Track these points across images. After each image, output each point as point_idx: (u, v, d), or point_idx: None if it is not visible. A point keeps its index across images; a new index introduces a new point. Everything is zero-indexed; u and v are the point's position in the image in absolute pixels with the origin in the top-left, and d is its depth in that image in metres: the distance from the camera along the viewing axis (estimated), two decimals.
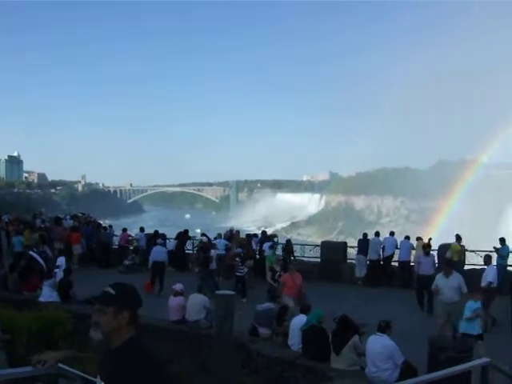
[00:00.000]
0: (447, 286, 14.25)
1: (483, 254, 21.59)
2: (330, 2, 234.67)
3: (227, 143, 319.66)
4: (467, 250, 22.36)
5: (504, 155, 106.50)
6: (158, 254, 21.79)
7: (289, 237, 34.78)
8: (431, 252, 20.00)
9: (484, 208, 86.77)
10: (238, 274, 20.53)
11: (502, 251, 20.57)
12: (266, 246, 23.88)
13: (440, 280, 14.52)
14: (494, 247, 20.98)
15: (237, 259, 21.06)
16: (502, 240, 21.23)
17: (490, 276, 16.29)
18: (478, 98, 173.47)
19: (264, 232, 27.03)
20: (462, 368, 7.19)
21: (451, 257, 21.06)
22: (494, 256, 19.38)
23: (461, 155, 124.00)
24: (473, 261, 22.18)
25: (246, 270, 20.55)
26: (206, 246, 22.64)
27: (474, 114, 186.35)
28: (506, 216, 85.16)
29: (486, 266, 17.07)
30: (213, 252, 21.76)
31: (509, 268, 20.86)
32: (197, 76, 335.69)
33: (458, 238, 21.95)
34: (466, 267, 21.39)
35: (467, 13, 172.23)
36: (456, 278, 14.32)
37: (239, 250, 21.67)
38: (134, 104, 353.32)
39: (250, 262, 21.87)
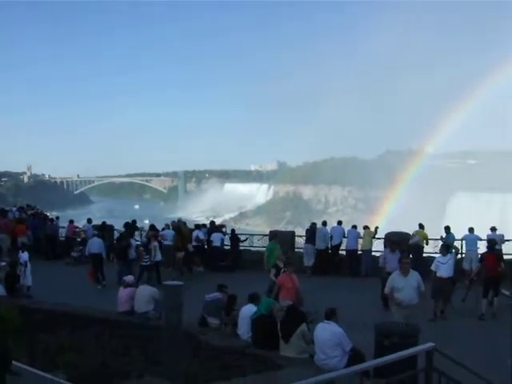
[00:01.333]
0: (407, 285, 12.56)
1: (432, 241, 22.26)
2: None
3: (174, 133, 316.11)
4: (431, 239, 22.79)
5: (449, 146, 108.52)
6: (93, 245, 21.68)
7: (237, 227, 34.78)
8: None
9: (430, 197, 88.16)
10: (142, 263, 20.56)
11: (447, 239, 21.08)
12: (214, 236, 23.87)
13: (397, 279, 12.73)
14: (441, 236, 21.51)
15: (141, 248, 21.17)
16: (447, 228, 21.73)
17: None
18: (425, 89, 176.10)
19: (212, 222, 26.96)
20: (407, 353, 7.31)
21: (418, 241, 21.62)
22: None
23: (407, 145, 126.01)
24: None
25: (152, 260, 20.48)
26: (123, 236, 22.41)
27: (420, 104, 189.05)
28: (451, 205, 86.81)
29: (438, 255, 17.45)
30: (132, 242, 21.79)
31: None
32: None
33: (422, 226, 22.41)
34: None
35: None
36: (415, 277, 12.78)
37: (156, 243, 21.14)
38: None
39: (180, 253, 22.17)
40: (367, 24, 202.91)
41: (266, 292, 15.28)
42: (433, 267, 16.43)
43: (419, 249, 21.83)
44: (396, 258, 16.42)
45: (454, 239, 21.28)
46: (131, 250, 21.09)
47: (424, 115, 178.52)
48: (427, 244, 22.25)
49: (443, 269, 16.20)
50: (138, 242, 23.59)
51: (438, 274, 16.21)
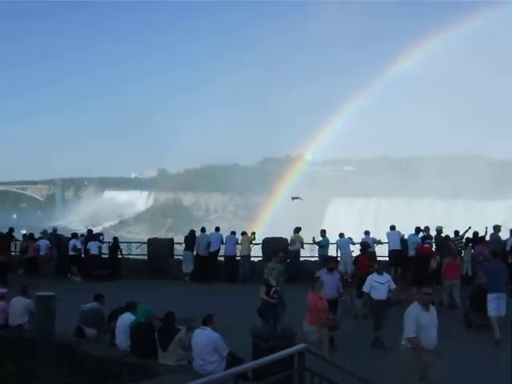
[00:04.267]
0: (431, 323, 9.80)
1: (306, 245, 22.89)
2: None
3: (49, 140, 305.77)
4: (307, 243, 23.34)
5: (327, 153, 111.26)
6: None
7: (117, 235, 34.32)
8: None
9: (309, 203, 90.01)
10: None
11: (322, 242, 21.82)
12: (91, 244, 23.48)
13: (421, 315, 9.68)
14: (313, 238, 22.21)
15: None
16: (323, 232, 22.43)
17: None
18: (303, 96, 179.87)
19: (90, 231, 26.49)
20: (281, 354, 7.48)
21: (299, 248, 22.15)
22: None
23: (286, 152, 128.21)
24: (302, 253, 23.24)
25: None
26: None
27: (298, 111, 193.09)
28: (329, 210, 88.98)
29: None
30: None
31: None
32: None
33: (298, 229, 22.89)
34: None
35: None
36: (434, 311, 10.24)
37: None
38: None
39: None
40: (245, 31, 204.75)
41: (257, 312, 14.10)
42: (366, 288, 13.97)
43: (298, 254, 22.45)
44: (335, 280, 14.36)
45: (329, 243, 22.02)
46: None
47: (302, 123, 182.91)
48: (303, 248, 22.84)
49: (382, 290, 13.81)
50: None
51: (375, 297, 13.88)
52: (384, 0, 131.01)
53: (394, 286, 13.95)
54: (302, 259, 22.92)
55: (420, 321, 9.33)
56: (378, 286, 13.73)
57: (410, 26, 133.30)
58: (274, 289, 13.94)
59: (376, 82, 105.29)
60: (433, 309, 9.71)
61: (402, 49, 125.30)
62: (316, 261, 22.42)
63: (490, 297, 14.52)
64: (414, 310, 9.46)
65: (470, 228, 21.10)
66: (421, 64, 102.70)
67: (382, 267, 14.38)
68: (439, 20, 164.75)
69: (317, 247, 22.40)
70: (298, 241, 22.54)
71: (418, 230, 21.11)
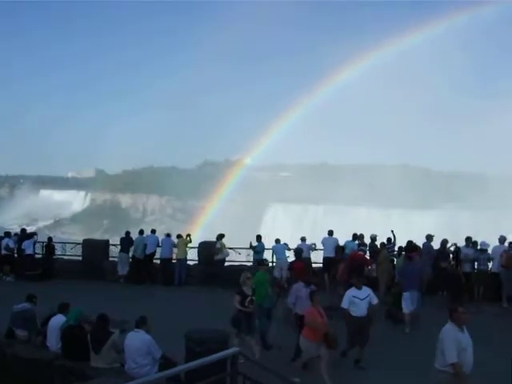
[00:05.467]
0: (469, 344, 9.16)
1: (242, 250, 23.02)
2: None
3: None
4: (230, 248, 23.40)
5: (266, 158, 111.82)
6: None
7: (52, 235, 33.70)
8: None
9: (247, 208, 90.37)
10: None
11: (258, 247, 21.96)
12: (25, 244, 23.08)
13: (460, 337, 9.08)
14: (250, 243, 22.32)
15: None
16: (259, 237, 22.56)
17: None
18: (244, 101, 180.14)
19: (23, 230, 26.01)
20: (214, 358, 7.54)
21: (226, 256, 22.24)
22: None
23: (226, 156, 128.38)
24: (232, 258, 23.29)
25: None
26: None
27: (239, 115, 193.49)
28: (267, 216, 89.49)
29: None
30: None
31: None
32: None
33: (221, 236, 22.91)
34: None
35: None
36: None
37: None
38: None
39: None
40: (179, 36, 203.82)
41: (230, 323, 13.16)
42: (345, 304, 12.96)
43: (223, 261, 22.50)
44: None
45: (264, 248, 22.18)
46: None
47: (243, 127, 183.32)
48: (227, 255, 22.81)
49: (362, 306, 12.94)
50: None
51: (354, 314, 12.88)
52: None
53: (376, 301, 13.02)
54: (237, 264, 22.98)
55: (459, 343, 8.77)
56: (358, 301, 12.84)
57: (350, 34, 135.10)
58: (249, 298, 13.25)
59: (317, 89, 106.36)
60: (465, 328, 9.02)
61: (344, 58, 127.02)
62: (251, 266, 22.58)
63: (405, 295, 16.01)
64: (452, 332, 8.81)
65: (393, 235, 21.54)
66: (359, 73, 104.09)
67: (360, 281, 13.26)
68: (378, 33, 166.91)
69: (252, 252, 22.57)
70: (226, 249, 22.60)
71: (355, 236, 21.47)
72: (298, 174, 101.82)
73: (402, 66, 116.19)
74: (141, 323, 10.49)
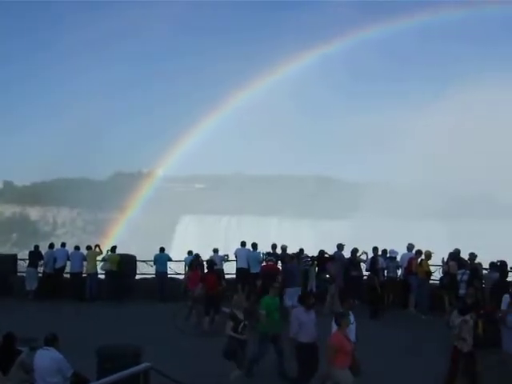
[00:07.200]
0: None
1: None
2: None
3: None
4: (143, 261, 23.29)
5: (179, 169, 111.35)
6: None
7: None
8: None
9: (160, 219, 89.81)
10: None
11: (159, 258, 22.10)
12: None
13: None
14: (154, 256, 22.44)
15: None
16: (162, 249, 22.70)
17: None
18: (156, 111, 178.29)
19: None
20: (126, 373, 7.48)
21: (110, 268, 21.97)
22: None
23: (138, 167, 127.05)
24: (144, 270, 23.16)
25: None
26: None
27: (152, 126, 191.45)
28: (180, 227, 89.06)
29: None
30: None
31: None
32: None
33: (113, 249, 22.70)
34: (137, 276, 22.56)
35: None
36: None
37: None
38: None
39: None
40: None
41: (223, 355, 12.27)
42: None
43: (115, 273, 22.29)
44: (313, 319, 11.96)
45: (168, 259, 22.41)
46: None
47: (155, 138, 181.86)
48: (120, 269, 22.50)
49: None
50: None
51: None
52: None
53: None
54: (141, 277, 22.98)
55: None
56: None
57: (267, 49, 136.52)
58: (242, 324, 12.19)
59: (228, 101, 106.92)
60: None
61: (260, 65, 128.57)
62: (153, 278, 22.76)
63: (287, 291, 17.71)
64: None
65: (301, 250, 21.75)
66: (272, 82, 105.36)
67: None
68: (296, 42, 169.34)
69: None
70: (110, 261, 22.37)
71: (254, 245, 21.59)
72: (212, 185, 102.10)
73: (310, 75, 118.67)
74: (50, 340, 10.20)
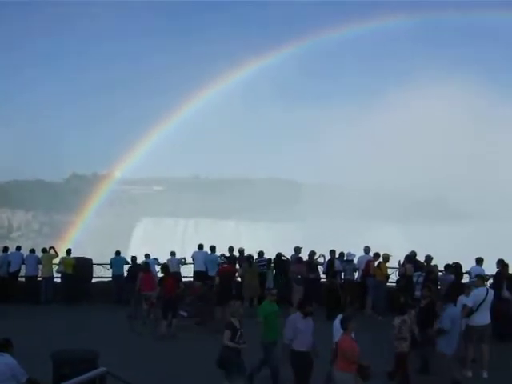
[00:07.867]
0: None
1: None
2: None
3: None
4: (99, 264, 23.13)
5: (137, 171, 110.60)
6: None
7: None
8: None
9: (118, 222, 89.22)
10: None
11: (116, 262, 22.14)
12: None
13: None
14: (111, 260, 22.30)
15: None
16: (118, 252, 22.63)
17: None
18: (116, 113, 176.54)
19: None
20: (82, 378, 7.44)
21: (64, 270, 21.76)
22: None
23: (94, 169, 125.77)
24: (100, 273, 23.02)
25: None
26: None
27: (110, 127, 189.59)
28: (137, 230, 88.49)
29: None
30: None
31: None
32: None
33: (68, 252, 22.55)
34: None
35: None
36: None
37: None
38: None
39: None
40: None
41: (217, 364, 11.55)
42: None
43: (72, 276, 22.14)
44: (310, 327, 11.65)
45: (123, 263, 22.27)
46: None
47: (112, 140, 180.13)
48: (76, 272, 22.24)
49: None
50: None
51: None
52: None
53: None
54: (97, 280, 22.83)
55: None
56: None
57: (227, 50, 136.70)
58: (239, 332, 11.58)
59: (188, 104, 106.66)
60: None
61: (221, 67, 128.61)
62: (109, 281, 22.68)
63: None
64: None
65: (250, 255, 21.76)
66: (231, 85, 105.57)
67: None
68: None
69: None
70: (64, 265, 22.18)
71: (212, 248, 21.78)
72: (170, 188, 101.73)
73: (268, 78, 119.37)
74: (4, 346, 10.00)
